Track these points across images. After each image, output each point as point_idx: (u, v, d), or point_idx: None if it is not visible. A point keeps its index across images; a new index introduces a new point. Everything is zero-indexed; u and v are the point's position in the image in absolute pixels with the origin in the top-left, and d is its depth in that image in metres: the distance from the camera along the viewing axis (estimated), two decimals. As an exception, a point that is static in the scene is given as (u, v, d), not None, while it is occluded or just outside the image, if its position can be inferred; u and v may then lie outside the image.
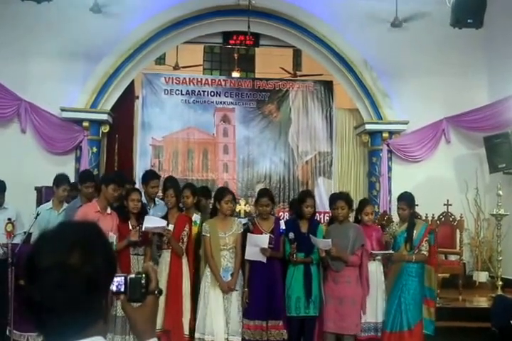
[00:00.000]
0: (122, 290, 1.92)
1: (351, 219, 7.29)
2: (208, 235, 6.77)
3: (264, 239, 6.82)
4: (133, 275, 1.95)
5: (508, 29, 10.94)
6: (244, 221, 7.31)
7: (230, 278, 6.74)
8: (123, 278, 1.92)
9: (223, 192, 7.05)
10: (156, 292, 1.97)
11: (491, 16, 9.07)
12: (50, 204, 7.97)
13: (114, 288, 1.89)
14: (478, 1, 8.50)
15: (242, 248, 6.85)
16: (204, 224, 6.92)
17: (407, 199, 7.23)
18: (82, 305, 1.61)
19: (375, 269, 7.12)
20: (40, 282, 1.58)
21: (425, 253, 6.99)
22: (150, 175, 7.84)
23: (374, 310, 7.03)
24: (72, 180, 8.69)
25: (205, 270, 6.81)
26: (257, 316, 6.79)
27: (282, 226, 7.08)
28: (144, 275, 1.95)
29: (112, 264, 1.75)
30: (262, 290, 6.82)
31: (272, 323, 6.80)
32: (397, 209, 7.28)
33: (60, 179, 8.02)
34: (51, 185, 8.08)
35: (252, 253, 6.81)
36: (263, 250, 6.78)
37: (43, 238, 1.68)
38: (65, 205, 7.84)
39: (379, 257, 7.20)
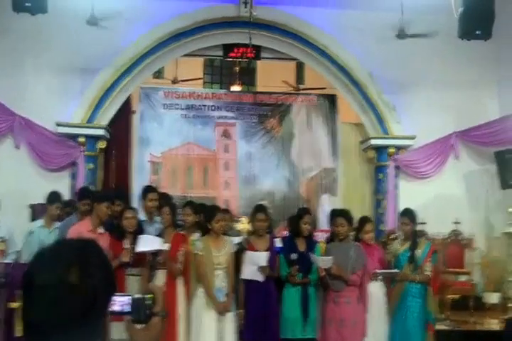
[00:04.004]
0: (127, 310, 1.92)
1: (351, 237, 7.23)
2: (201, 253, 6.72)
3: (263, 257, 6.78)
4: (139, 296, 1.95)
5: (518, 40, 10.96)
6: (237, 240, 7.25)
7: (223, 298, 6.69)
8: (129, 298, 1.93)
9: (213, 211, 7.00)
10: (161, 314, 1.96)
11: (499, 27, 9.05)
12: (41, 221, 7.98)
13: (118, 308, 1.90)
14: (486, 12, 8.49)
15: (235, 268, 6.80)
16: (197, 242, 6.88)
17: (409, 215, 7.20)
18: (81, 324, 1.60)
19: (377, 290, 7.07)
20: (38, 300, 1.59)
21: (429, 273, 6.95)
22: (147, 189, 7.82)
23: (376, 332, 6.95)
24: (67, 197, 8.67)
25: (196, 290, 6.75)
26: (253, 337, 6.74)
27: (277, 244, 7.06)
28: (149, 296, 1.95)
29: (112, 283, 1.75)
30: (257, 311, 6.77)
31: (268, 344, 6.77)
32: (400, 224, 7.28)
33: (53, 196, 8.04)
34: (45, 202, 8.09)
35: (250, 272, 6.77)
36: (262, 268, 6.74)
37: (41, 255, 1.68)
38: (57, 223, 7.84)
39: (380, 277, 7.15)
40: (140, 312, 1.93)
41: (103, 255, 1.77)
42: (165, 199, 7.44)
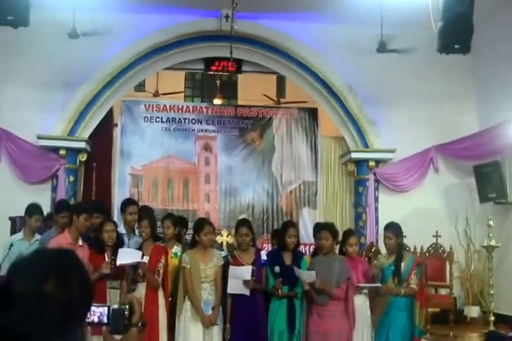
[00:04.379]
0: (105, 321, 1.93)
1: (336, 250, 7.26)
2: (189, 266, 6.73)
3: (247, 271, 6.78)
4: (116, 306, 1.96)
5: (496, 55, 11.09)
6: (224, 253, 7.29)
7: (211, 311, 6.70)
8: (106, 308, 1.93)
9: (201, 223, 7.05)
10: (140, 324, 1.96)
11: (478, 42, 9.17)
12: (21, 234, 7.95)
13: (95, 318, 1.90)
14: (465, 27, 8.59)
15: (223, 281, 6.83)
16: (183, 255, 6.89)
17: (393, 228, 7.25)
18: (57, 335, 1.59)
19: (361, 303, 7.09)
20: (14, 309, 1.56)
21: (414, 286, 6.98)
22: (127, 202, 7.82)
23: (360, 345, 6.99)
24: (48, 210, 8.65)
25: (184, 303, 6.76)
26: None
27: (263, 257, 7.12)
28: (127, 307, 1.96)
29: (89, 292, 1.74)
30: (244, 325, 6.79)
31: (255, 358, 6.76)
32: (384, 238, 7.31)
33: (33, 208, 8.02)
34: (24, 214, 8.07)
35: (235, 286, 6.78)
36: (246, 282, 6.76)
37: (18, 265, 1.67)
38: (37, 236, 7.82)
39: (365, 290, 7.19)
40: (118, 322, 1.94)
41: (81, 265, 1.75)
42: (145, 212, 7.45)
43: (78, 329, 1.68)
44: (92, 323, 1.94)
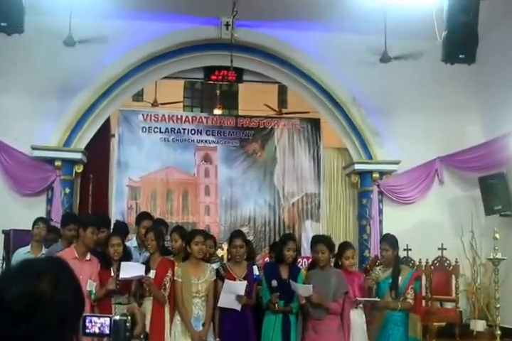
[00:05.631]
0: (106, 332, 1.91)
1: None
2: (180, 280, 6.73)
3: (241, 287, 6.77)
4: (119, 318, 1.94)
5: (501, 65, 11.12)
6: (215, 266, 7.28)
7: (201, 327, 6.67)
8: (108, 319, 1.92)
9: (192, 232, 7.10)
10: (142, 336, 1.95)
11: (483, 52, 9.19)
12: (28, 248, 7.95)
13: (96, 329, 1.89)
14: (470, 36, 8.60)
15: (215, 296, 6.81)
16: (176, 268, 6.87)
17: (389, 240, 7.26)
18: (53, 338, 1.58)
19: (357, 318, 7.07)
20: (6, 313, 1.56)
21: (411, 301, 6.96)
22: (143, 216, 7.96)
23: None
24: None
25: (174, 318, 6.74)
26: None
27: (256, 272, 7.13)
28: (129, 318, 1.95)
29: (80, 298, 1.73)
30: (234, 339, 6.78)
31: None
32: (381, 250, 7.35)
33: (36, 220, 8.16)
34: (20, 228, 8.09)
35: (227, 300, 6.77)
36: (239, 298, 6.75)
37: (9, 271, 1.69)
38: (44, 249, 7.82)
39: (361, 305, 7.18)
40: (120, 334, 1.92)
41: (71, 270, 1.74)
42: (154, 224, 7.48)
43: (73, 337, 1.68)
44: (94, 334, 1.93)
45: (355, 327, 6.95)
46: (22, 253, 7.76)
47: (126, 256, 6.92)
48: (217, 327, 6.85)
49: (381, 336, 6.95)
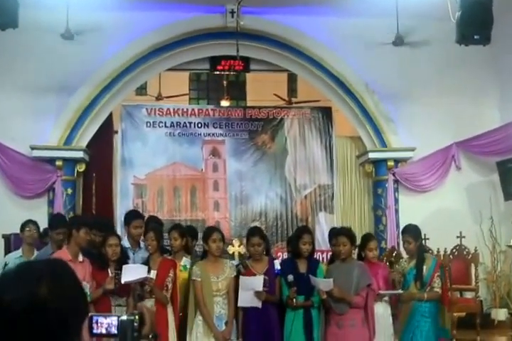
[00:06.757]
0: (113, 332, 1.91)
1: (354, 256, 7.20)
2: (199, 279, 6.67)
3: (258, 281, 6.69)
4: (126, 317, 1.94)
5: (517, 46, 10.99)
6: (236, 262, 7.22)
7: (224, 326, 6.63)
8: (115, 318, 1.92)
9: (209, 230, 7.10)
10: (151, 336, 1.95)
11: (499, 32, 9.10)
12: (19, 252, 7.91)
13: (103, 330, 1.90)
14: (485, 16, 8.54)
15: (236, 293, 6.74)
16: (194, 267, 6.83)
17: (412, 232, 7.16)
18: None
19: (382, 311, 7.03)
20: (4, 317, 1.56)
21: (438, 290, 6.90)
22: (132, 215, 7.81)
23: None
24: (45, 225, 8.58)
25: (195, 318, 6.68)
26: None
27: (277, 266, 7.04)
28: (137, 317, 1.93)
29: (82, 300, 1.72)
30: (258, 339, 6.72)
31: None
32: (403, 242, 7.28)
33: (25, 222, 8.13)
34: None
35: (246, 298, 6.69)
36: (257, 294, 6.66)
37: (7, 274, 1.67)
38: (36, 253, 7.76)
39: (386, 298, 7.13)
40: (127, 334, 1.91)
41: (75, 276, 1.75)
42: (151, 223, 7.39)
43: (75, 340, 1.67)
44: (100, 334, 1.94)
45: (380, 320, 6.89)
46: (13, 258, 7.74)
47: (123, 256, 6.84)
48: (240, 327, 6.79)
49: (407, 328, 6.89)
